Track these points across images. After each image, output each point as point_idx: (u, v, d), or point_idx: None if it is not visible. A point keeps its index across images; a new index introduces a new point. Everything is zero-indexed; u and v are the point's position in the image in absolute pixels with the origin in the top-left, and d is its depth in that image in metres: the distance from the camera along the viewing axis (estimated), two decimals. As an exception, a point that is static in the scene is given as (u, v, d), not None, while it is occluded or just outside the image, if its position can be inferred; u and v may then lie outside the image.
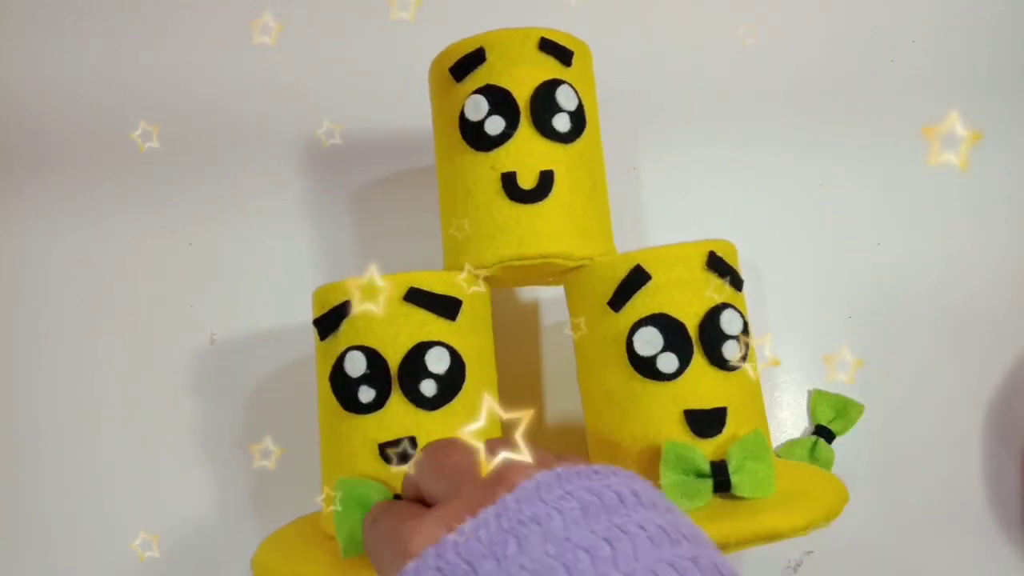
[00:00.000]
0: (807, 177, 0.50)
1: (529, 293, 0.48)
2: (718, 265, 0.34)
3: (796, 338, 0.48)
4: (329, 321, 0.33)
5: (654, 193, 0.50)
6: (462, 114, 0.36)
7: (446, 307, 0.33)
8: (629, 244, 0.38)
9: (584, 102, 0.37)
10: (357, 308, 0.32)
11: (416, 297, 0.33)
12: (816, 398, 0.47)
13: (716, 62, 0.52)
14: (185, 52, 0.53)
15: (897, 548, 0.44)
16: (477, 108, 0.35)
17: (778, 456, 0.43)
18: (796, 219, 0.49)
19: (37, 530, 0.46)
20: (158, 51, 0.53)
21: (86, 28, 0.54)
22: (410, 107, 0.50)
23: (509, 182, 0.35)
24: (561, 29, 0.37)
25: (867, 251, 0.49)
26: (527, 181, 0.35)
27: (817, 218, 0.49)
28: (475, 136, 0.35)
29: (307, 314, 0.47)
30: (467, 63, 0.36)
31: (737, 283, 0.35)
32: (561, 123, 0.35)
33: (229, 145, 0.52)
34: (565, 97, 0.36)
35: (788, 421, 0.47)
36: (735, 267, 0.36)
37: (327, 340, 0.34)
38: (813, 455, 0.44)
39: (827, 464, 0.44)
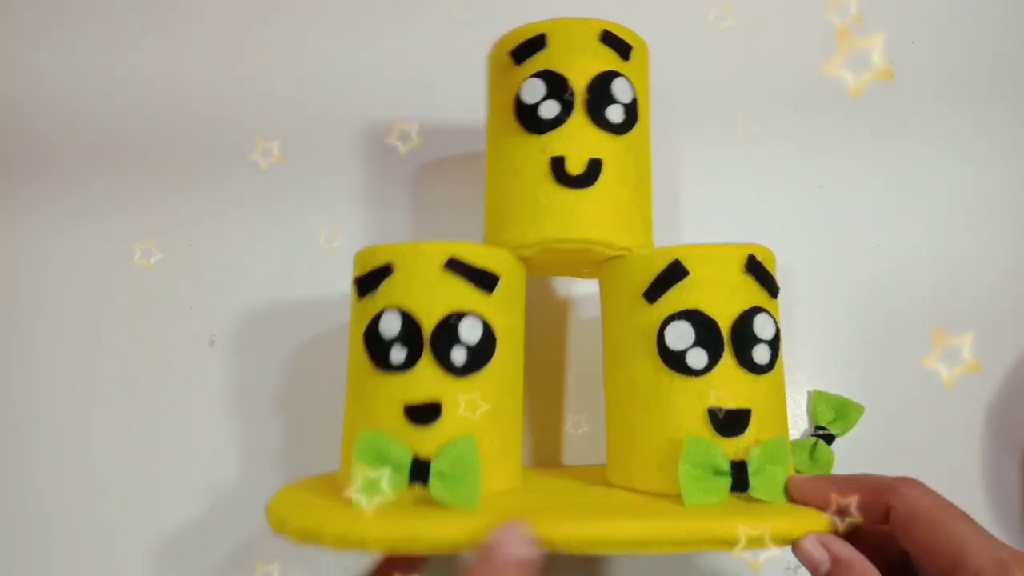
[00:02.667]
0: (807, 177, 0.50)
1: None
2: (756, 269, 0.35)
3: (796, 338, 0.47)
4: (369, 281, 0.34)
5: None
6: (518, 96, 0.36)
7: (484, 280, 0.34)
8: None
9: (638, 97, 0.37)
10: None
11: (456, 267, 0.33)
12: (816, 399, 0.46)
13: (716, 63, 0.51)
14: (185, 52, 0.53)
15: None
16: (534, 91, 0.36)
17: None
18: (796, 219, 0.49)
19: (36, 535, 0.46)
20: (157, 51, 0.53)
21: (86, 29, 0.54)
22: (416, 101, 0.51)
23: (558, 166, 0.35)
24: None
25: (867, 251, 0.48)
26: (576, 167, 0.35)
27: (817, 218, 0.49)
28: (529, 118, 0.36)
29: (307, 311, 0.48)
30: (528, 47, 0.37)
31: (773, 289, 0.36)
32: (615, 114, 0.36)
33: (229, 145, 0.51)
34: (621, 89, 0.36)
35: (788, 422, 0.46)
36: (772, 273, 0.36)
37: (365, 299, 0.34)
38: (813, 456, 0.44)
39: (827, 466, 0.44)
